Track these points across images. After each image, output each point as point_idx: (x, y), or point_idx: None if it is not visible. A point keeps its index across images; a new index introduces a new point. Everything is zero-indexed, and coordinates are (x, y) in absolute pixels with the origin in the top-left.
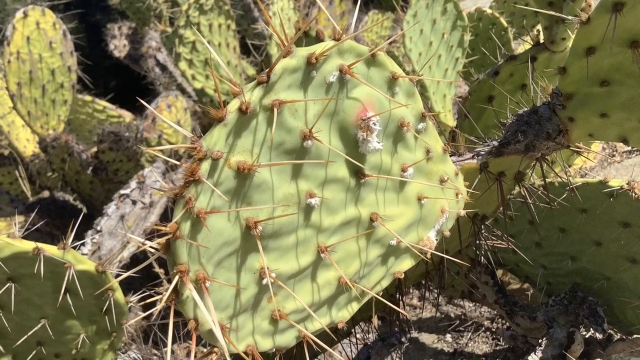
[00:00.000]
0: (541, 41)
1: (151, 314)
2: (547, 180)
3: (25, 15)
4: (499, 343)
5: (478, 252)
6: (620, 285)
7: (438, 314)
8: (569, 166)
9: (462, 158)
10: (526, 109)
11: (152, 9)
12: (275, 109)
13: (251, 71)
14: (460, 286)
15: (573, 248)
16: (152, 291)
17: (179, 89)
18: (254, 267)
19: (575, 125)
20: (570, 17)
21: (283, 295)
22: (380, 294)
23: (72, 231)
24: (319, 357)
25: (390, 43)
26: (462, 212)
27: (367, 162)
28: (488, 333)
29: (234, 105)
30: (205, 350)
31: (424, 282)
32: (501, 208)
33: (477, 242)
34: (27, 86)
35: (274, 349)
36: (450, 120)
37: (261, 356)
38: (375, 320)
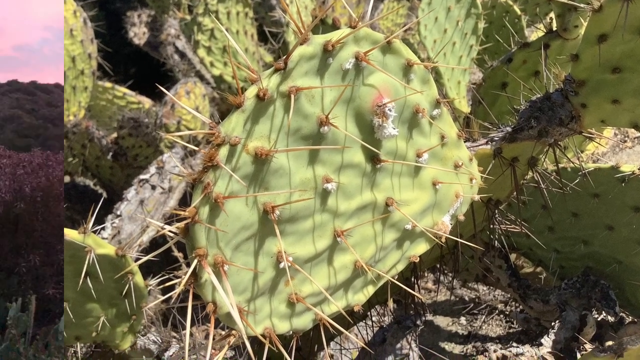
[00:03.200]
0: (554, 29)
1: (170, 297)
2: (560, 165)
3: None
4: (512, 326)
5: (492, 236)
6: (632, 268)
7: (452, 297)
8: (582, 152)
9: (476, 144)
10: (539, 96)
11: None
12: (292, 96)
13: (268, 58)
14: (475, 270)
15: (585, 232)
16: (171, 275)
17: (198, 75)
18: (271, 251)
19: (588, 111)
20: (582, 5)
21: (300, 279)
22: (396, 277)
23: (92, 216)
24: (335, 339)
25: (405, 30)
26: (476, 197)
27: (383, 148)
28: (502, 316)
29: (251, 91)
30: (223, 332)
31: (438, 265)
32: (515, 193)
33: (491, 226)
34: None
35: (291, 332)
36: (465, 107)
37: (278, 338)
38: (391, 304)
